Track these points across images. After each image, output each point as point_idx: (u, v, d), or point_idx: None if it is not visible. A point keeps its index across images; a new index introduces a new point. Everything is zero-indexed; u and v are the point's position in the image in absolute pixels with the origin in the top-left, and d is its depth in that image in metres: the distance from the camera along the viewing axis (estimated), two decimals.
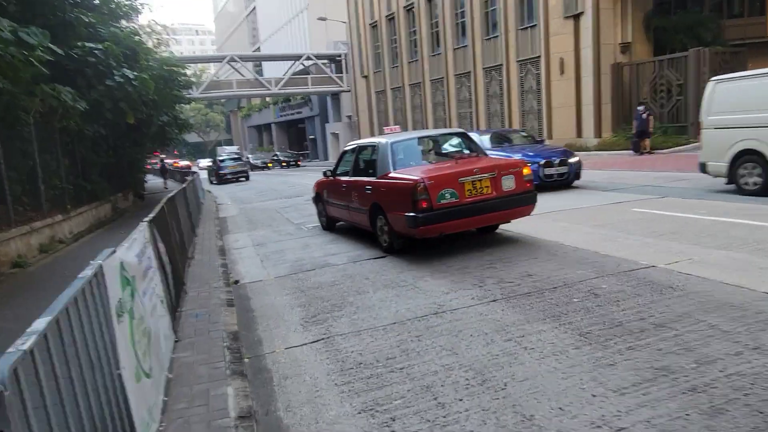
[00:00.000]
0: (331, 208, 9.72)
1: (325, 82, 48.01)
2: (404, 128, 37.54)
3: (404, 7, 35.40)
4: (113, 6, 16.81)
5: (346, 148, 9.51)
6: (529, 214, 7.35)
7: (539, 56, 25.09)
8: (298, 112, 58.52)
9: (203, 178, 40.53)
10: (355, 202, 8.28)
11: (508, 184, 6.85)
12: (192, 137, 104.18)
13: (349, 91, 47.48)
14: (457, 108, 31.90)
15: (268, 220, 12.86)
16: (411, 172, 6.95)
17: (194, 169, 64.77)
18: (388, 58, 38.76)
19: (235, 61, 46.07)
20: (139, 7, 18.27)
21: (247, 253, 9.25)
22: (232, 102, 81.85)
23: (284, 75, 47.87)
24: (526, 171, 7.03)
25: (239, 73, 49.02)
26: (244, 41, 79.73)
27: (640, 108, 18.70)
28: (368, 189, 7.71)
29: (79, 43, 13.45)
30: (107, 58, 14.13)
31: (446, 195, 6.54)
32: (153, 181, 41.93)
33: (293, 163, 48.45)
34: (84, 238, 13.05)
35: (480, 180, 6.69)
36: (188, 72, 23.35)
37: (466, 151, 7.86)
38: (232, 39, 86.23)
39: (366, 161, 8.30)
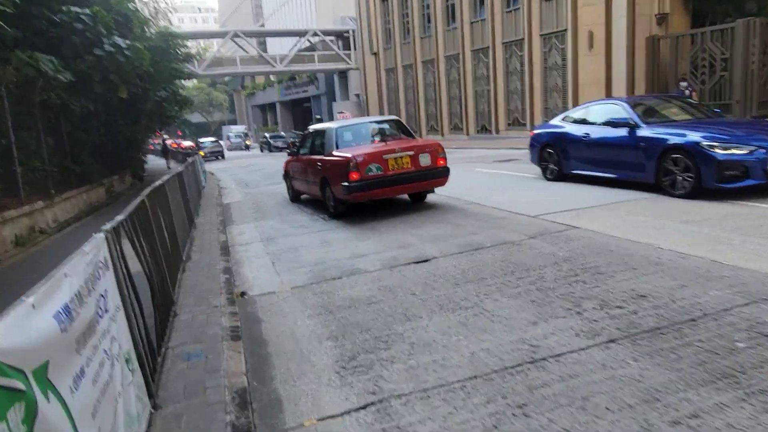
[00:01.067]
0: (295, 182, 11.36)
1: (333, 59, 46.12)
2: (416, 107, 35.83)
3: None
4: None
5: (306, 132, 11.33)
6: (443, 185, 9.05)
7: (565, 29, 23.26)
8: (303, 91, 56.67)
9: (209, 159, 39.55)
10: (311, 176, 9.94)
11: (425, 160, 8.56)
12: (196, 117, 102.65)
13: (357, 69, 45.61)
14: (473, 85, 30.12)
15: (276, 208, 11.35)
16: (347, 151, 8.57)
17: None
18: (399, 34, 36.85)
19: (238, 36, 44.20)
20: None
21: (254, 250, 7.78)
22: (235, 81, 79.88)
23: (290, 52, 46.04)
24: (440, 150, 8.77)
25: (243, 50, 47.16)
26: (248, 18, 77.46)
27: (683, 84, 17.03)
28: (319, 165, 9.37)
29: (64, 8, 11.87)
30: (96, 24, 12.58)
31: (373, 169, 8.21)
32: (155, 162, 40.53)
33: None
34: (70, 227, 11.59)
35: (401, 157, 8.36)
36: (191, 48, 21.71)
37: (397, 135, 9.65)
38: (235, 16, 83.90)
39: (318, 143, 9.78)
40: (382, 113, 40.77)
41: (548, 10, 24.20)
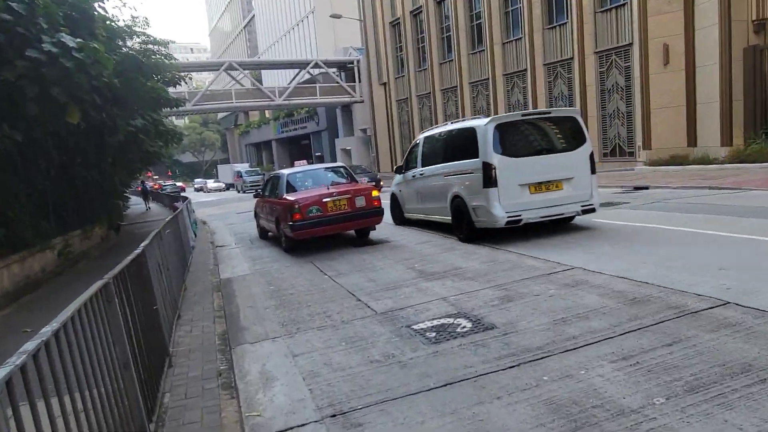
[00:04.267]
0: (261, 220, 12.40)
1: (336, 92, 42.42)
2: None
3: None
4: None
5: (268, 177, 12.81)
6: (378, 223, 10.29)
7: (630, 43, 19.46)
8: (302, 127, 52.86)
9: (202, 201, 34.84)
10: (270, 216, 11.00)
11: (360, 202, 9.68)
12: (187, 157, 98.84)
13: (362, 101, 41.93)
14: (506, 112, 26.13)
15: (310, 289, 6.96)
16: (293, 195, 9.82)
17: (197, 189, 59.45)
18: (413, 61, 33.21)
19: (234, 69, 40.54)
20: None
21: None
22: (228, 119, 76.32)
23: (289, 84, 42.34)
24: (374, 193, 9.94)
25: (239, 83, 43.46)
26: (242, 55, 74.49)
27: None
28: (274, 206, 10.52)
29: None
30: (33, 16, 8.43)
31: (313, 210, 9.37)
32: (139, 206, 36.05)
33: None
34: None
35: (339, 200, 9.53)
36: (179, 68, 17.52)
37: (341, 180, 10.83)
38: (228, 54, 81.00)
39: (274, 186, 11.02)
40: (392, 148, 36.86)
41: (605, 22, 20.43)
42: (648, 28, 18.63)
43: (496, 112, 26.56)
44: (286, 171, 11.09)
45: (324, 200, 9.38)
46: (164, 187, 41.05)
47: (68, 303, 2.40)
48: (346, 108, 44.71)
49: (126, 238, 18.57)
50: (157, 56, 14.61)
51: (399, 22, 34.05)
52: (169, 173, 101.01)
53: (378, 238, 10.54)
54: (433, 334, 4.72)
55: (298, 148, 58.00)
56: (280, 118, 55.90)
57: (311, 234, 9.45)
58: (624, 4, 19.48)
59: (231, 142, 78.24)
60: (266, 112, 62.01)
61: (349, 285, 6.98)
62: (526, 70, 24.40)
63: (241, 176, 44.71)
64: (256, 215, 12.92)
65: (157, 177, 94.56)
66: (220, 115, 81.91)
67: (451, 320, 5.04)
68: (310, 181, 10.55)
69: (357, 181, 10.96)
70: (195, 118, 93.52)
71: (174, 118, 47.34)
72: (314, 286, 7.21)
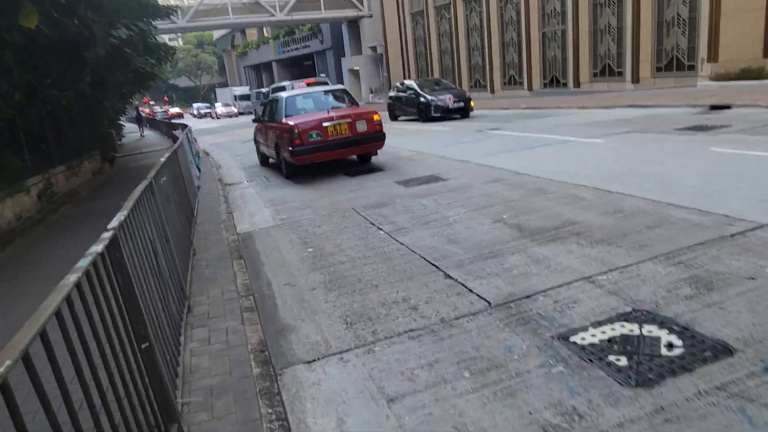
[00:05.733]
0: (260, 146, 12.04)
1: (341, 5, 38.76)
2: (454, 59, 28.92)
3: None
4: None
5: (267, 101, 12.38)
6: (380, 148, 10.03)
7: None
8: (305, 46, 49.19)
9: (201, 128, 32.18)
10: (270, 141, 10.62)
11: (362, 127, 9.34)
12: (183, 81, 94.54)
13: (371, 16, 38.39)
14: (540, 25, 23.23)
15: (366, 254, 5.02)
16: (292, 120, 9.36)
17: (201, 115, 55.92)
18: None
19: None
20: None
21: None
22: (224, 39, 71.84)
23: None
24: (376, 117, 9.60)
25: None
26: None
27: None
28: (273, 131, 10.20)
29: None
30: None
31: (313, 135, 9.05)
32: (133, 134, 33.72)
33: None
34: None
35: (340, 124, 9.17)
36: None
37: (341, 104, 10.39)
38: None
39: (273, 111, 10.50)
40: (406, 68, 33.91)
41: None
42: None
43: (527, 26, 23.57)
44: (284, 94, 10.66)
45: (324, 125, 9.18)
46: (156, 114, 39.31)
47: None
48: (353, 24, 41.10)
49: (120, 172, 16.53)
50: None
51: None
52: (166, 98, 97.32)
53: (427, 174, 8.46)
54: (623, 360, 2.78)
55: (301, 69, 54.48)
56: (280, 37, 52.06)
57: (312, 159, 9.32)
58: None
59: (228, 64, 74.15)
60: (265, 30, 57.90)
61: (421, 248, 5.00)
62: None
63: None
64: (255, 141, 12.66)
65: (153, 103, 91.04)
66: (216, 35, 77.15)
67: (632, 327, 3.08)
68: (310, 105, 10.27)
69: (357, 104, 10.72)
70: (189, 39, 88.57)
71: (167, 38, 43.73)
72: (371, 248, 5.23)
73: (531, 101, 21.49)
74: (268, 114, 11.01)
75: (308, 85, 21.96)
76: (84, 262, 1.91)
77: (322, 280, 4.56)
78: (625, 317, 3.20)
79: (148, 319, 2.43)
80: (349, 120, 9.30)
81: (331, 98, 10.57)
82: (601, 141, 9.54)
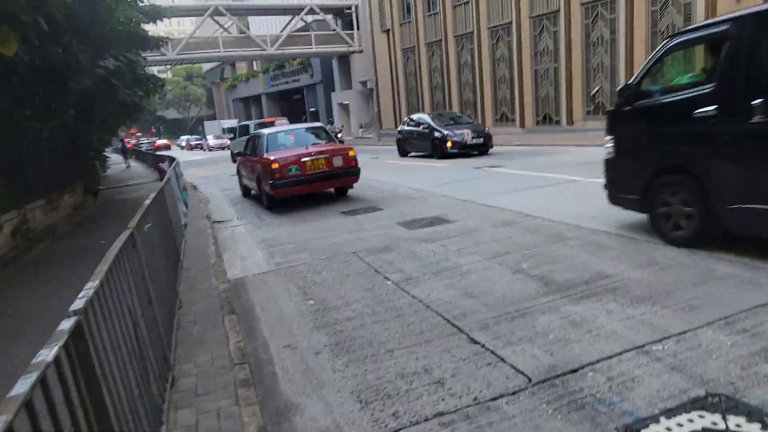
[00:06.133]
0: (243, 179, 12.57)
1: (332, 40, 38.94)
2: (445, 94, 28.90)
3: None
4: None
5: (249, 136, 12.84)
6: (355, 182, 10.67)
7: None
8: (294, 80, 49.22)
9: (190, 160, 31.46)
10: (252, 175, 11.16)
11: (338, 162, 10.01)
12: (171, 113, 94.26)
13: (361, 51, 38.56)
14: (532, 62, 23.28)
15: (375, 310, 4.48)
16: (273, 155, 9.98)
17: (191, 146, 55.19)
18: (421, 4, 29.85)
19: (220, 14, 36.74)
20: None
21: None
22: (214, 72, 72.03)
23: (282, 31, 38.73)
24: (351, 153, 10.27)
25: (226, 30, 39.76)
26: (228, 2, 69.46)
27: None
28: (255, 165, 10.76)
29: None
30: None
31: (293, 169, 9.69)
32: (117, 165, 33.07)
33: None
34: None
35: (317, 159, 9.83)
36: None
37: (320, 140, 10.94)
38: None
39: (255, 146, 11.13)
40: (397, 102, 33.88)
41: None
42: None
43: (519, 62, 23.66)
44: (266, 131, 11.33)
45: (303, 160, 9.78)
46: (140, 145, 38.49)
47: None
48: (344, 59, 41.26)
49: (104, 207, 15.85)
50: None
51: None
52: (153, 129, 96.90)
53: (431, 215, 7.98)
54: None
55: (290, 103, 54.54)
56: (270, 70, 52.17)
57: (291, 192, 9.95)
58: None
59: (217, 96, 74.20)
60: (255, 64, 58.10)
61: (437, 303, 4.47)
62: (558, 10, 21.38)
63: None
64: (238, 174, 13.12)
65: (140, 134, 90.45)
66: (206, 68, 77.33)
67: (714, 419, 2.55)
68: (290, 141, 10.88)
69: (335, 141, 11.35)
70: (178, 71, 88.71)
71: (156, 70, 43.54)
72: (379, 302, 4.68)
73: (524, 138, 21.34)
74: (251, 148, 11.58)
75: (270, 124, 22.81)
76: (28, 381, 1.35)
77: (328, 342, 3.99)
78: (701, 404, 2.67)
79: (118, 423, 1.85)
80: (326, 156, 9.96)
81: (309, 135, 11.22)
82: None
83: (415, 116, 18.94)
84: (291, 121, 45.87)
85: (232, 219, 10.16)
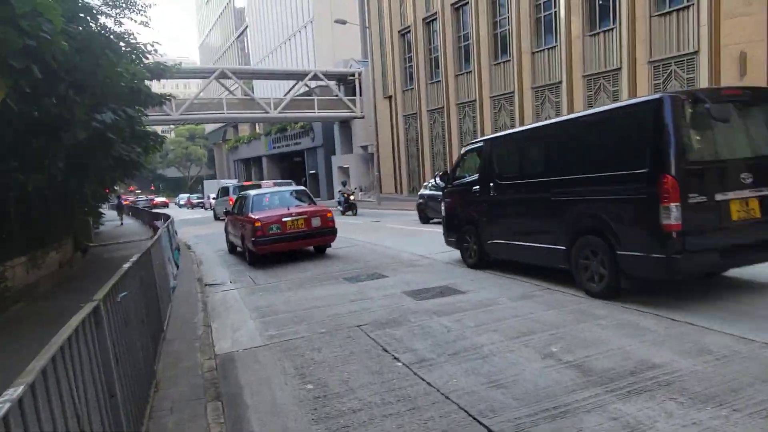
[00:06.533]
0: (230, 236, 13.38)
1: (335, 106, 39.53)
2: (447, 160, 28.90)
3: (452, 4, 27.25)
4: None
5: (238, 197, 13.69)
6: (332, 242, 11.46)
7: (695, 51, 16.77)
8: (296, 143, 49.68)
9: (188, 218, 30.95)
10: (238, 232, 11.97)
11: (316, 222, 10.85)
12: (171, 171, 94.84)
13: (362, 117, 39.06)
14: None
15: (386, 400, 3.82)
16: (257, 214, 10.85)
17: (193, 205, 54.77)
18: (424, 72, 30.42)
19: (226, 77, 37.47)
20: None
21: None
22: (216, 134, 73.06)
23: (286, 96, 39.35)
24: (328, 215, 11.13)
25: (231, 93, 40.40)
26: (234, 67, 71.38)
27: None
28: (241, 223, 11.59)
29: None
30: None
31: (274, 228, 10.48)
32: (112, 222, 32.57)
33: None
34: None
35: (297, 219, 10.67)
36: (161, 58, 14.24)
37: (301, 202, 11.92)
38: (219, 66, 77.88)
39: (242, 205, 12.07)
40: (397, 167, 33.89)
41: (663, 28, 17.76)
42: (720, 34, 15.98)
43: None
44: (252, 192, 12.42)
45: (284, 219, 10.61)
46: (138, 202, 40.80)
47: None
48: (345, 124, 41.77)
49: (92, 265, 15.19)
50: (138, 45, 11.42)
51: (409, 31, 31.33)
52: (153, 187, 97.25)
53: (440, 284, 7.37)
54: None
55: (291, 165, 54.87)
56: (272, 133, 52.77)
57: (272, 249, 10.64)
58: (689, 6, 16.81)
59: (219, 157, 74.83)
60: (257, 126, 58.94)
61: (457, 393, 3.80)
62: (560, 83, 21.64)
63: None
64: (226, 231, 14.04)
65: (139, 191, 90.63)
66: (208, 129, 78.53)
67: None
68: (274, 202, 11.79)
69: (315, 203, 12.29)
70: (181, 132, 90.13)
71: (159, 130, 43.89)
72: (390, 389, 4.01)
73: None
74: (238, 208, 12.46)
75: (247, 187, 24.03)
76: None
77: None
78: None
79: None
80: (306, 216, 10.80)
81: (292, 196, 12.23)
82: None
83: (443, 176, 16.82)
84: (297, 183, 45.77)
85: (225, 282, 9.52)
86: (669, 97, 5.21)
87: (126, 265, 3.72)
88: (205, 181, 59.73)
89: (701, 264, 5.30)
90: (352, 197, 24.64)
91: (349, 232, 14.83)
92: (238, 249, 12.62)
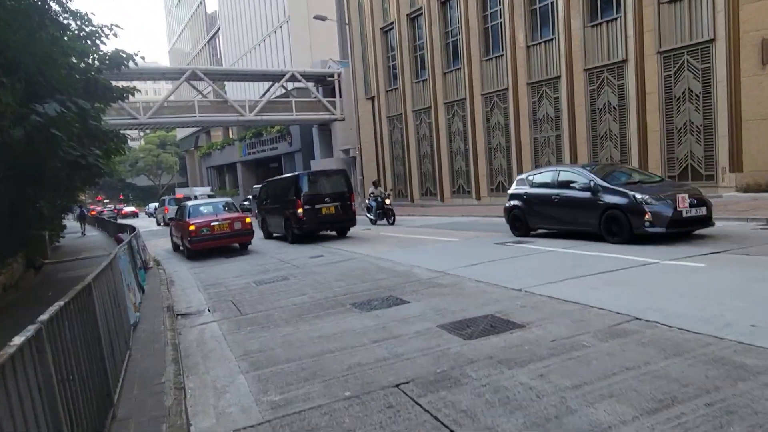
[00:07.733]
0: (173, 237, 16.98)
1: (313, 108, 37.67)
2: (434, 163, 27.34)
3: None
4: None
5: (179, 206, 17.79)
6: (251, 240, 14.95)
7: (710, 39, 15.52)
8: (272, 148, 47.65)
9: (156, 230, 28.57)
10: (178, 233, 15.62)
11: (237, 225, 14.31)
12: (142, 180, 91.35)
13: (343, 119, 37.31)
14: (531, 131, 21.94)
15: None
16: (192, 220, 14.16)
17: (143, 215, 52.25)
18: (409, 71, 28.84)
19: (197, 79, 35.29)
20: None
21: None
22: (188, 141, 70.31)
23: (262, 98, 37.38)
24: (247, 220, 14.73)
25: (203, 95, 38.19)
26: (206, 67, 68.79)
27: None
28: (181, 227, 14.84)
29: None
30: None
31: (204, 230, 13.91)
32: (73, 233, 30.16)
33: None
34: None
35: (222, 224, 14.09)
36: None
37: (228, 211, 15.21)
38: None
39: (182, 213, 15.38)
40: (381, 170, 32.24)
41: (672, 14, 16.51)
42: (739, 20, 14.75)
43: (516, 130, 22.33)
44: (190, 203, 15.95)
45: (212, 223, 14.03)
46: (103, 213, 40.94)
47: None
48: (324, 127, 39.94)
49: (44, 285, 13.13)
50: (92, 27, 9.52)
51: (392, 28, 29.75)
52: (121, 197, 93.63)
53: (484, 312, 5.68)
54: None
55: (267, 171, 52.61)
56: (246, 138, 50.61)
57: (203, 246, 14.10)
58: None
59: (191, 165, 72.01)
60: (231, 132, 56.62)
61: None
62: (558, 78, 20.27)
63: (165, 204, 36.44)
64: (171, 234, 17.47)
65: (107, 201, 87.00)
66: (180, 136, 75.64)
67: None
68: (208, 210, 15.02)
69: (239, 212, 15.66)
70: (152, 139, 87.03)
71: (129, 138, 41.45)
72: None
73: None
74: (179, 214, 15.84)
75: (181, 199, 28.13)
76: None
77: None
78: None
79: None
80: (229, 221, 14.27)
81: (220, 207, 15.35)
82: (702, 264, 7.12)
83: (548, 170, 11.93)
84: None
85: (203, 310, 7.68)
86: None
87: (42, 317, 1.94)
88: (176, 189, 57.18)
89: None
90: (388, 201, 19.50)
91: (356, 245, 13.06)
92: (180, 248, 15.83)
